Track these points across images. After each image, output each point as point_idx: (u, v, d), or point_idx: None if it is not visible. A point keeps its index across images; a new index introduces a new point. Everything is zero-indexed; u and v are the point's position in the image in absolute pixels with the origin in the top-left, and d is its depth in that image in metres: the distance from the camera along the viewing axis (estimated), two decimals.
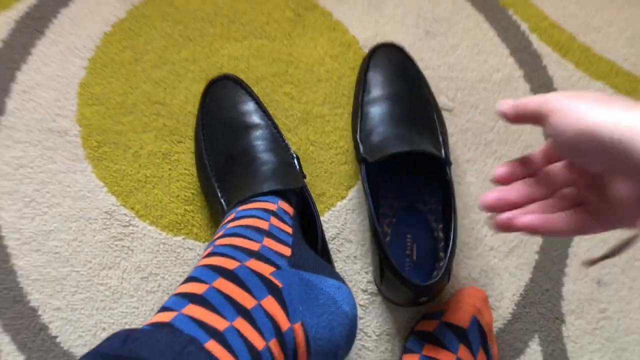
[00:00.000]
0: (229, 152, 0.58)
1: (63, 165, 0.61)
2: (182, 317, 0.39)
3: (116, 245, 0.59)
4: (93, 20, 0.67)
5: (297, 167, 0.57)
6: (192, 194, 0.61)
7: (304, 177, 0.57)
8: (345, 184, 0.64)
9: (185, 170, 0.62)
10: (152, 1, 0.68)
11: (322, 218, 0.62)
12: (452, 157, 0.66)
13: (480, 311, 0.57)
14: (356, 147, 0.60)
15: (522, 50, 0.71)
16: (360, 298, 0.60)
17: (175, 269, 0.59)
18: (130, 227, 0.60)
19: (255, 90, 0.65)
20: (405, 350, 0.56)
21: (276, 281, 0.44)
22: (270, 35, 0.68)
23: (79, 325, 0.57)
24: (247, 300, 0.42)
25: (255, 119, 0.60)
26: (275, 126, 0.60)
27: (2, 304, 0.56)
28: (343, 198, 0.63)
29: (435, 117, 0.62)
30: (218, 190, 0.57)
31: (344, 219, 0.62)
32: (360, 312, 0.60)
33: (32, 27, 0.66)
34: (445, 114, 0.67)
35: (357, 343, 0.58)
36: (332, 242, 0.62)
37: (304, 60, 0.68)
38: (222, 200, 0.55)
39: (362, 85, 0.63)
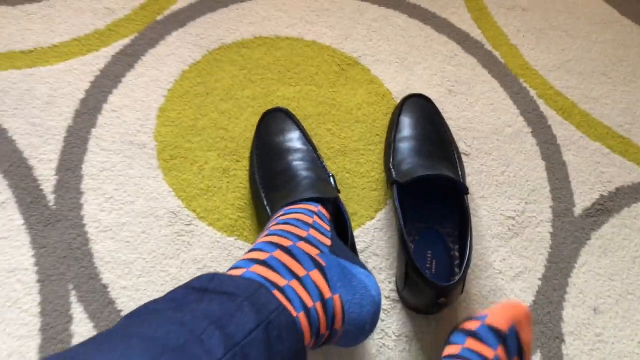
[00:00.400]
0: (276, 169, 0.69)
1: (139, 171, 0.72)
2: (250, 272, 0.49)
3: (178, 240, 0.69)
4: (174, 60, 0.81)
5: (333, 183, 0.67)
6: (245, 203, 0.72)
7: (338, 191, 0.67)
8: (374, 207, 0.74)
9: (240, 183, 0.73)
10: (224, 49, 0.83)
11: (353, 232, 0.72)
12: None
13: (520, 324, 0.64)
14: (388, 172, 0.71)
15: (530, 112, 0.84)
16: (384, 303, 0.69)
17: (227, 263, 0.69)
18: (191, 226, 0.70)
19: (303, 124, 0.77)
20: (448, 342, 0.63)
21: (321, 261, 0.54)
22: (318, 83, 0.82)
23: (141, 303, 0.66)
24: (299, 270, 0.51)
25: (299, 144, 0.71)
26: (315, 151, 0.71)
27: (79, 279, 0.65)
28: (372, 218, 0.73)
29: (455, 155, 0.74)
30: (265, 201, 0.67)
31: (372, 236, 0.72)
32: (382, 315, 0.68)
33: (124, 62, 0.80)
34: (463, 157, 0.78)
35: (378, 341, 0.66)
36: (361, 254, 0.71)
37: (344, 104, 0.80)
38: (268, 209, 0.66)
39: (394, 125, 0.75)
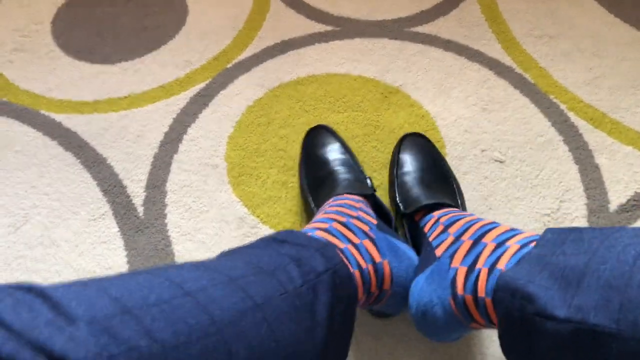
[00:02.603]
0: (319, 175, 0.79)
1: (212, 187, 0.85)
2: (316, 235, 0.59)
3: (245, 240, 0.80)
4: (241, 98, 0.95)
5: (370, 183, 0.76)
6: (301, 209, 0.83)
7: (375, 190, 0.75)
8: None
9: (297, 194, 0.84)
10: (282, 87, 0.97)
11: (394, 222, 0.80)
12: (504, 195, 0.83)
13: None
14: (397, 207, 0.74)
15: (561, 123, 0.91)
16: None
17: None
18: (256, 229, 0.81)
19: (350, 144, 0.88)
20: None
21: (371, 234, 0.63)
22: (363, 109, 0.93)
23: None
24: (354, 238, 0.61)
25: (338, 154, 0.81)
26: (353, 159, 0.81)
27: None
28: None
29: (454, 184, 0.78)
30: (312, 204, 0.77)
31: None
32: None
33: (200, 102, 0.95)
34: (498, 165, 0.86)
35: None
36: None
37: (387, 125, 0.91)
38: (315, 209, 0.76)
39: (395, 163, 0.80)
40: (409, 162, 0.78)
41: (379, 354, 0.70)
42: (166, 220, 0.82)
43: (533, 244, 0.49)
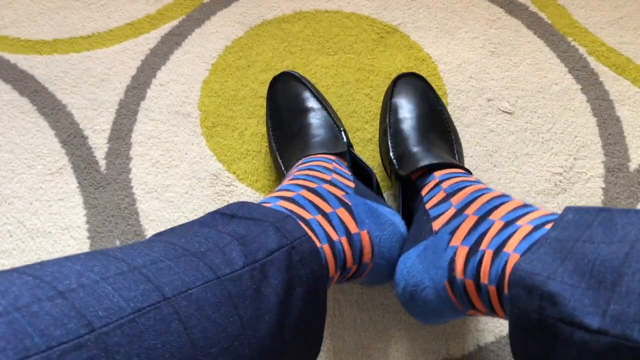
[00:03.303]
0: (288, 132, 0.69)
1: (184, 138, 0.76)
2: (277, 206, 0.50)
3: (218, 199, 0.71)
4: (218, 37, 0.85)
5: (345, 138, 0.65)
6: None
7: (350, 146, 0.65)
8: None
9: None
10: (265, 25, 0.86)
11: (377, 179, 0.71)
12: (512, 151, 0.74)
13: None
14: (391, 165, 0.63)
15: (579, 69, 0.80)
16: None
17: None
18: (231, 187, 0.72)
19: (340, 92, 0.78)
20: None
21: (347, 201, 0.54)
22: (356, 51, 0.83)
23: None
24: (325, 207, 0.52)
25: (309, 105, 0.69)
26: (326, 109, 0.69)
27: (125, 236, 0.69)
28: None
29: (452, 136, 0.68)
30: (281, 163, 0.67)
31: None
32: None
33: (172, 41, 0.85)
34: (505, 116, 0.76)
35: None
36: None
37: (383, 70, 0.81)
38: (285, 173, 0.66)
39: (387, 109, 0.68)
40: (404, 108, 0.68)
41: (364, 325, 0.63)
42: (130, 176, 0.73)
43: (549, 226, 0.40)
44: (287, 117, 0.70)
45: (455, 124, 0.76)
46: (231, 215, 0.44)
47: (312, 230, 0.48)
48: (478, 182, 0.55)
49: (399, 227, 0.56)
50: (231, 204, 0.46)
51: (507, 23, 0.85)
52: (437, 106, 0.70)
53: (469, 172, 0.59)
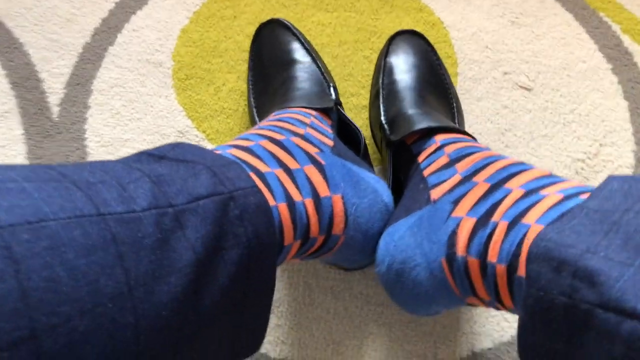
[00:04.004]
0: (270, 85, 0.59)
1: (151, 89, 0.66)
2: (227, 154, 0.40)
3: None
4: None
5: (333, 95, 0.55)
6: None
7: (339, 103, 0.55)
8: None
9: None
10: None
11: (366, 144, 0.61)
12: (527, 131, 0.64)
13: None
14: (382, 129, 0.54)
15: (611, 48, 0.70)
16: None
17: None
18: None
19: (336, 52, 0.68)
20: None
21: (319, 159, 0.44)
22: (359, 10, 0.73)
23: None
24: (290, 162, 0.42)
25: (297, 56, 0.60)
26: (316, 62, 0.59)
27: None
28: None
29: (454, 102, 0.58)
30: (257, 122, 0.57)
31: None
32: None
33: None
34: (523, 93, 0.66)
35: None
36: None
37: (387, 32, 0.71)
38: None
39: (381, 69, 0.59)
40: (400, 68, 0.57)
41: (338, 317, 0.53)
42: (85, 126, 0.63)
43: (585, 196, 0.30)
44: (270, 68, 0.60)
45: (465, 96, 0.66)
46: (160, 156, 0.33)
47: (267, 184, 0.38)
48: (489, 149, 0.45)
49: (382, 195, 0.45)
50: (164, 145, 0.36)
51: None
52: (438, 70, 0.60)
53: (475, 140, 0.49)
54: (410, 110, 0.52)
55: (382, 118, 0.54)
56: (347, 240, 0.43)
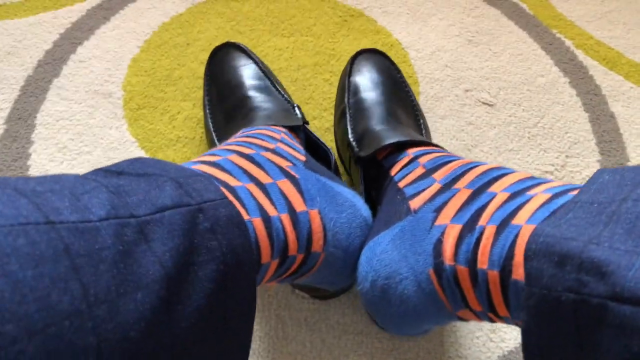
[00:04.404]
0: (228, 108, 0.56)
1: (101, 121, 0.62)
2: (193, 169, 0.36)
3: None
4: (155, 13, 0.72)
5: (299, 113, 0.53)
6: None
7: (306, 122, 0.52)
8: None
9: None
10: (211, 2, 0.74)
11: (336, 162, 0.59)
12: (494, 146, 0.63)
13: None
14: (350, 147, 0.51)
15: (566, 62, 0.70)
16: None
17: None
18: None
19: (295, 76, 0.67)
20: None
21: (293, 173, 0.41)
22: (315, 34, 0.71)
23: None
24: (262, 176, 0.39)
25: (254, 80, 0.57)
26: (274, 85, 0.57)
27: None
28: None
29: (421, 121, 0.57)
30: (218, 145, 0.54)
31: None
32: None
33: (100, 15, 0.72)
34: (486, 109, 0.65)
35: None
36: None
37: (345, 55, 0.69)
38: None
39: (346, 88, 0.57)
40: (365, 86, 0.55)
41: (315, 350, 0.49)
42: (29, 162, 0.59)
43: (574, 193, 0.29)
44: (227, 90, 0.57)
45: (429, 115, 0.65)
46: (118, 172, 0.30)
47: (238, 198, 0.34)
48: (464, 158, 0.43)
49: (360, 209, 0.43)
50: (122, 161, 0.32)
51: (486, 12, 0.75)
52: (403, 86, 0.58)
53: (446, 151, 0.47)
54: (379, 126, 0.50)
55: (350, 136, 0.52)
56: (327, 257, 0.40)
